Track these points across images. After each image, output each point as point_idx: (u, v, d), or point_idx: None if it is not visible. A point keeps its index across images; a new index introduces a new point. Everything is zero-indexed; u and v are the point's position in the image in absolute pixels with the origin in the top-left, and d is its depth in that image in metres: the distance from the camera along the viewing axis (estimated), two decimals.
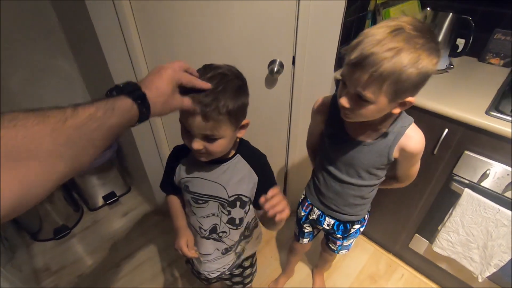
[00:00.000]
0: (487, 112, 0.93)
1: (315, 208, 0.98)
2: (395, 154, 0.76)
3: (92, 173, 1.70)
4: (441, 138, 1.02)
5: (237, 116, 0.63)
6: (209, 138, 0.62)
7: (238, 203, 0.75)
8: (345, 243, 1.04)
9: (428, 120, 1.04)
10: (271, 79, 1.13)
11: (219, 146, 0.64)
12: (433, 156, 1.08)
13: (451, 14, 1.10)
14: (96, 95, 1.61)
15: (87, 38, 1.16)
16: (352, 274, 1.47)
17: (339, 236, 1.00)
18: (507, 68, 1.23)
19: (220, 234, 0.79)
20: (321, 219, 0.98)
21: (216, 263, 0.85)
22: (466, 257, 1.12)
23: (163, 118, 1.37)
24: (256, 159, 0.75)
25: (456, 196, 1.06)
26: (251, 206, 0.80)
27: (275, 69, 1.07)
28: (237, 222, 0.78)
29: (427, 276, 1.43)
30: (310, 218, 1.01)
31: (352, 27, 1.22)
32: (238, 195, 0.74)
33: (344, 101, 0.63)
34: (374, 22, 1.23)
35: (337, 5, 0.99)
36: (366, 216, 1.00)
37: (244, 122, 0.67)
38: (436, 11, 1.14)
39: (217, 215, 0.77)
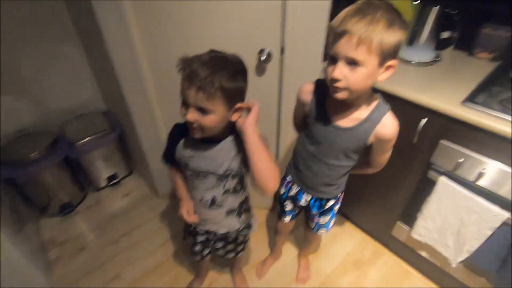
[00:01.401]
0: (462, 103, 0.97)
1: (295, 185, 1.05)
2: (371, 139, 0.82)
3: (97, 155, 1.81)
4: (419, 128, 1.06)
5: (231, 96, 0.69)
6: (203, 111, 0.69)
7: (231, 176, 0.83)
8: (322, 221, 1.10)
9: (409, 110, 1.08)
10: (260, 67, 1.19)
11: (210, 121, 0.71)
12: (412, 145, 1.13)
13: (437, 7, 1.12)
14: (102, 80, 1.71)
15: (91, 26, 1.25)
16: (337, 259, 1.53)
17: (315, 212, 1.07)
18: (495, 63, 1.25)
19: (219, 204, 0.89)
20: (299, 196, 1.05)
21: (221, 222, 0.95)
22: (442, 243, 1.16)
23: (162, 107, 1.45)
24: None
25: (433, 184, 1.10)
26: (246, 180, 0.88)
27: (263, 57, 1.13)
28: (231, 191, 0.87)
29: (409, 263, 1.48)
30: (290, 195, 1.08)
31: None
32: (232, 169, 0.82)
33: (337, 73, 0.68)
34: None
35: None
36: (340, 194, 1.06)
37: (238, 105, 0.73)
38: (424, 4, 1.17)
39: (216, 188, 0.85)
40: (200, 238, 1.06)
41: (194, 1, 1.07)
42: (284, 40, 1.12)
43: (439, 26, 1.17)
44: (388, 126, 0.80)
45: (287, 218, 1.17)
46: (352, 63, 0.66)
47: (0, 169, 1.46)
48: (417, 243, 1.29)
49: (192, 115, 0.69)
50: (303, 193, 1.04)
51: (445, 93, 1.03)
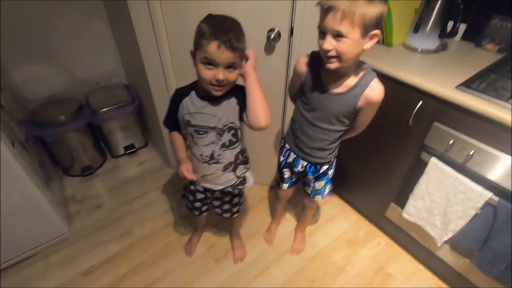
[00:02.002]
0: (456, 87, 1.02)
1: (292, 153, 1.15)
2: (360, 103, 0.91)
3: (117, 125, 1.96)
4: (414, 110, 1.12)
5: (244, 46, 0.81)
6: (230, 67, 0.81)
7: (227, 130, 0.94)
8: (317, 185, 1.19)
9: (406, 93, 1.14)
10: (269, 46, 1.27)
11: (235, 75, 0.83)
12: (408, 127, 1.18)
13: None
14: (125, 54, 1.84)
15: (119, 3, 1.36)
16: (332, 236, 1.62)
17: (310, 177, 1.16)
18: (501, 54, 1.27)
19: (217, 158, 0.99)
20: (296, 162, 1.15)
21: (218, 179, 1.06)
22: (430, 223, 1.22)
23: (178, 83, 1.56)
24: (241, 91, 0.90)
25: (426, 166, 1.16)
26: (243, 133, 0.98)
27: (272, 36, 1.21)
28: (227, 144, 0.97)
29: (400, 244, 1.54)
30: (287, 162, 1.18)
31: None
32: (229, 123, 0.92)
33: (327, 44, 0.77)
34: None
35: None
36: (333, 159, 1.15)
37: (246, 53, 0.85)
38: None
39: (215, 143, 0.96)
40: (200, 196, 1.17)
41: None
42: (293, 20, 1.19)
43: (445, 15, 1.20)
44: (375, 89, 0.89)
45: (286, 185, 1.27)
46: (338, 35, 0.75)
47: (31, 128, 1.63)
48: (408, 224, 1.36)
49: (223, 74, 0.80)
50: (300, 160, 1.13)
51: (443, 78, 1.08)
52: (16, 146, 1.26)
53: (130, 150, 2.09)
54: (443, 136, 1.08)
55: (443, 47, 1.29)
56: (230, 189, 1.11)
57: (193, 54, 0.84)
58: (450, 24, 1.23)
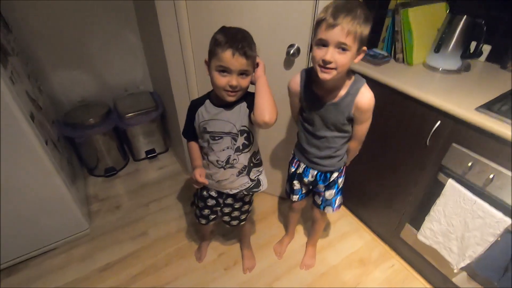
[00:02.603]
0: (476, 109, 1.00)
1: (301, 163, 1.17)
2: (353, 110, 0.96)
3: (140, 130, 2.06)
4: (432, 130, 1.11)
5: (255, 58, 0.88)
6: (243, 74, 0.86)
7: (240, 133, 0.98)
8: (328, 195, 1.19)
9: (423, 112, 1.13)
10: (288, 60, 1.31)
11: (247, 81, 0.89)
12: (425, 147, 1.17)
13: (465, 16, 1.15)
14: (152, 63, 1.95)
15: (149, 15, 1.47)
16: (343, 254, 1.59)
17: (321, 186, 1.17)
18: None
19: (232, 162, 1.03)
20: (306, 172, 1.17)
21: (235, 183, 1.10)
22: (446, 247, 1.18)
23: (200, 93, 1.63)
24: (251, 96, 0.94)
25: (443, 187, 1.13)
26: (255, 137, 1.02)
27: (292, 52, 1.25)
28: (241, 148, 1.01)
29: (415, 268, 1.48)
30: (298, 172, 1.20)
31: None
32: (242, 127, 0.97)
33: (329, 56, 0.81)
34: (393, 21, 1.32)
35: None
36: (343, 167, 1.17)
37: (257, 60, 0.92)
38: (454, 14, 1.20)
39: (230, 148, 1.00)
40: (211, 202, 1.20)
41: (235, 1, 1.23)
42: (313, 37, 1.23)
43: (468, 35, 1.19)
44: (364, 95, 0.93)
45: (296, 197, 1.28)
46: (342, 48, 0.81)
47: (63, 128, 1.75)
48: (423, 247, 1.31)
49: (236, 80, 0.86)
50: (310, 169, 1.16)
51: (463, 99, 1.06)
52: (49, 144, 1.37)
53: (151, 154, 2.18)
54: (461, 158, 1.06)
55: (465, 68, 1.27)
56: (245, 192, 1.14)
57: (208, 63, 0.91)
58: (473, 45, 1.21)
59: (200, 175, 1.03)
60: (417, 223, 1.31)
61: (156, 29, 1.43)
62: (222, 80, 0.87)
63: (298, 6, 1.17)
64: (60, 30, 1.73)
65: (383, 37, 1.41)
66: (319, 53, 0.84)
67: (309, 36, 1.23)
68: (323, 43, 0.83)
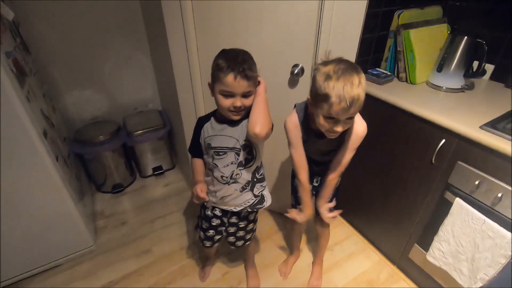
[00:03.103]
0: (481, 127, 1.00)
1: None
2: (346, 137, 0.99)
3: (148, 147, 2.10)
4: (437, 148, 1.10)
5: (256, 78, 0.90)
6: (246, 95, 0.89)
7: (243, 148, 0.99)
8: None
9: (428, 130, 1.13)
10: (293, 80, 1.35)
11: (250, 100, 0.91)
12: (431, 165, 1.16)
13: (465, 37, 1.18)
14: (161, 83, 2.02)
15: (160, 37, 1.54)
16: (351, 275, 1.54)
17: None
18: None
19: (235, 177, 1.04)
20: (310, 179, 1.16)
21: (237, 200, 1.10)
22: (456, 268, 1.14)
23: (207, 110, 1.67)
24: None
25: (450, 206, 1.11)
26: (258, 152, 1.03)
27: (296, 71, 1.29)
28: (244, 162, 1.02)
29: None
30: None
31: (373, 44, 1.37)
32: (245, 141, 0.98)
33: (340, 129, 0.86)
34: (395, 42, 1.36)
35: (357, 20, 1.17)
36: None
37: (258, 78, 0.93)
38: (455, 35, 1.23)
39: (234, 163, 1.02)
40: (215, 221, 1.19)
41: (241, 23, 1.28)
42: (317, 57, 1.27)
43: (469, 55, 1.21)
44: (358, 126, 0.95)
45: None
46: (349, 118, 0.85)
47: (73, 145, 1.80)
48: (433, 268, 1.27)
49: (240, 102, 0.89)
50: (314, 177, 1.18)
51: (466, 117, 1.07)
52: (60, 160, 1.40)
53: (158, 171, 2.21)
54: (468, 176, 1.04)
55: (469, 87, 1.28)
56: (249, 209, 1.13)
57: (211, 86, 0.94)
58: (476, 64, 1.23)
59: (201, 190, 1.04)
60: (426, 244, 1.28)
61: (166, 51, 1.50)
62: (227, 102, 0.90)
63: (302, 28, 1.22)
64: (75, 53, 1.82)
65: (386, 57, 1.44)
66: (326, 124, 0.87)
67: (312, 57, 1.27)
68: (336, 120, 0.85)
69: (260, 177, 1.09)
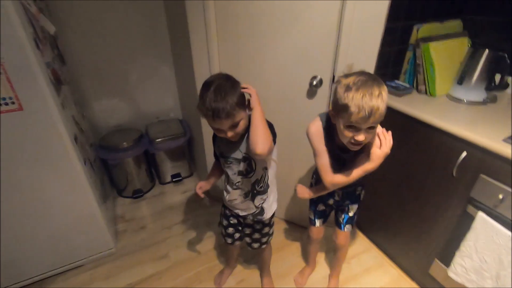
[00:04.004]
0: (504, 140, 0.99)
1: None
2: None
3: (168, 155, 2.17)
4: (458, 161, 1.09)
5: (241, 102, 0.92)
6: (234, 125, 0.93)
7: (243, 159, 1.04)
8: (351, 212, 1.21)
9: (449, 142, 1.12)
10: (311, 91, 1.38)
11: (241, 126, 0.95)
12: (452, 178, 1.14)
13: (487, 50, 1.18)
14: (183, 93, 2.10)
15: (184, 51, 1.62)
16: None
17: (347, 202, 1.19)
18: None
19: (237, 184, 1.10)
20: (332, 193, 1.19)
21: (242, 205, 1.16)
22: (479, 286, 1.10)
23: None
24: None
25: (473, 220, 1.09)
26: (257, 165, 1.05)
27: (315, 83, 1.32)
28: (244, 172, 1.06)
29: None
30: (322, 196, 1.20)
31: (391, 57, 1.39)
32: (244, 154, 1.03)
33: (362, 137, 0.86)
34: (414, 55, 1.37)
35: (376, 33, 1.20)
36: (362, 180, 1.12)
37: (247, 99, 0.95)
38: (475, 48, 1.23)
39: (236, 172, 1.08)
40: (233, 220, 1.26)
41: (262, 37, 1.34)
42: (335, 70, 1.30)
43: (491, 68, 1.20)
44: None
45: (319, 221, 1.30)
46: (371, 128, 0.86)
47: (99, 151, 1.89)
48: (454, 285, 1.23)
49: (230, 133, 0.93)
50: (335, 192, 1.18)
51: (488, 130, 1.05)
52: (87, 164, 1.48)
53: (177, 178, 2.27)
54: (491, 190, 1.02)
55: (491, 100, 1.27)
56: (251, 217, 1.19)
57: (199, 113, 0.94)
58: (498, 77, 1.22)
59: (200, 187, 1.19)
60: (447, 259, 1.24)
61: (189, 63, 1.58)
62: (220, 134, 0.96)
63: (321, 40, 1.26)
64: (104, 65, 1.95)
65: (405, 70, 1.45)
66: (348, 133, 0.88)
67: (331, 69, 1.30)
68: (358, 128, 0.86)
69: (260, 189, 1.12)
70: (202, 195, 1.20)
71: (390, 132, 0.94)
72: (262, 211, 1.17)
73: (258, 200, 1.14)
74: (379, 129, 0.94)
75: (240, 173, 1.07)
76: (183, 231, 1.85)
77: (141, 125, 2.20)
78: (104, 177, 2.01)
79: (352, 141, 0.89)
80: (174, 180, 2.27)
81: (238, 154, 1.04)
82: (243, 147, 1.02)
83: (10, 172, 1.21)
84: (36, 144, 1.21)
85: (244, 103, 0.94)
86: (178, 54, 1.96)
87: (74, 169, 1.34)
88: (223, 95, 0.87)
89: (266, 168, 1.08)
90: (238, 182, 1.09)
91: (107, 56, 1.93)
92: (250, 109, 0.95)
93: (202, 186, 1.20)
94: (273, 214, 1.23)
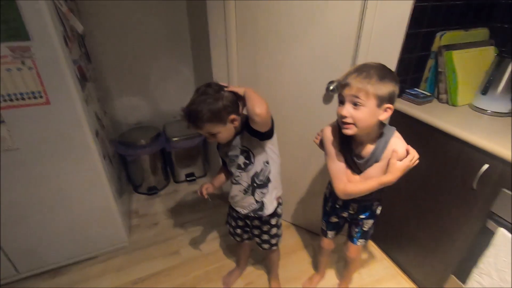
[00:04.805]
0: None
1: (339, 199, 1.15)
2: (383, 157, 0.95)
3: (183, 154, 2.21)
4: (479, 173, 1.05)
5: (219, 118, 0.95)
6: (213, 135, 0.99)
7: (241, 152, 1.07)
8: (366, 226, 1.18)
9: (469, 154, 1.09)
10: (328, 96, 1.37)
11: (220, 138, 1.01)
12: (472, 191, 1.10)
13: None
14: None
15: (204, 52, 1.66)
16: None
17: (362, 216, 1.16)
18: None
19: (237, 179, 1.12)
20: (346, 205, 1.16)
21: (243, 202, 1.17)
22: None
23: None
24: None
25: (492, 235, 1.04)
26: (256, 157, 1.07)
27: (332, 88, 1.31)
28: (242, 166, 1.09)
29: None
30: (336, 207, 1.19)
31: (412, 64, 1.36)
32: (242, 146, 1.06)
33: (344, 111, 0.87)
34: (436, 63, 1.33)
35: (396, 39, 1.18)
36: (380, 194, 1.12)
37: (231, 117, 0.97)
38: (502, 57, 1.18)
39: (235, 166, 1.10)
40: (240, 223, 1.28)
41: (280, 42, 1.35)
42: None
43: None
44: (397, 146, 0.92)
45: (332, 233, 1.28)
46: (356, 103, 0.85)
47: (118, 146, 1.96)
48: None
49: (210, 139, 1.01)
50: (350, 202, 1.14)
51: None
52: (106, 159, 1.54)
53: (190, 177, 2.30)
54: None
55: None
56: (252, 214, 1.18)
57: None
58: None
59: (206, 188, 1.25)
60: (464, 275, 1.19)
61: (208, 65, 1.61)
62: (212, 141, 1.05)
63: (340, 46, 1.25)
64: (128, 64, 2.02)
65: (426, 78, 1.42)
66: (339, 110, 0.89)
67: None
68: (341, 101, 0.89)
69: (260, 183, 1.12)
70: (206, 196, 1.23)
71: (415, 155, 0.92)
72: (262, 206, 1.16)
73: (258, 194, 1.14)
74: (407, 146, 0.92)
75: (238, 166, 1.09)
76: (194, 229, 1.87)
77: (159, 124, 2.26)
78: (122, 173, 2.07)
79: (340, 119, 0.89)
80: (188, 179, 2.30)
81: (237, 150, 1.07)
82: (237, 141, 1.06)
83: (34, 163, 1.27)
84: (60, 137, 1.27)
85: (222, 117, 0.96)
86: (197, 56, 2.01)
87: (94, 163, 1.39)
88: (199, 109, 0.93)
89: (267, 163, 1.09)
90: (237, 176, 1.11)
91: (131, 56, 2.00)
92: (239, 115, 1.00)
93: (208, 188, 1.25)
94: (279, 215, 1.24)
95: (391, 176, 0.91)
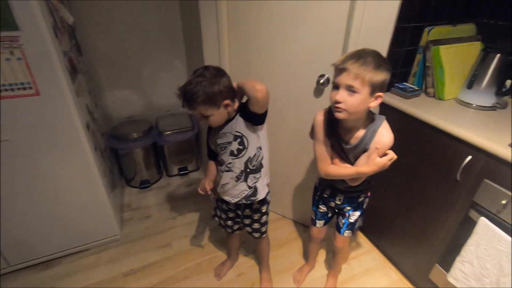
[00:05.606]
0: (510, 145, 0.97)
1: (327, 188, 1.20)
2: (371, 145, 0.97)
3: (176, 148, 2.22)
4: (462, 164, 1.08)
5: (213, 101, 0.96)
6: (205, 116, 1.00)
7: (234, 138, 1.07)
8: (352, 218, 1.20)
9: (453, 146, 1.12)
10: (318, 89, 1.39)
11: (211, 121, 1.02)
12: (456, 182, 1.13)
13: (498, 55, 1.16)
14: None
15: (196, 47, 1.66)
16: None
17: (348, 208, 1.19)
18: None
19: (229, 166, 1.12)
20: (334, 196, 1.19)
21: (234, 190, 1.17)
22: None
23: None
24: (243, 107, 1.05)
25: (474, 225, 1.07)
26: (250, 143, 1.08)
27: (322, 81, 1.33)
28: (235, 152, 1.09)
29: None
30: (324, 196, 1.23)
31: (400, 58, 1.39)
32: (236, 132, 1.06)
33: (339, 97, 0.88)
34: (424, 57, 1.36)
35: (385, 34, 1.20)
36: (368, 187, 1.17)
37: (225, 102, 0.99)
38: (487, 52, 1.21)
39: (228, 154, 1.11)
40: (231, 214, 1.29)
41: (271, 38, 1.36)
42: None
43: (502, 73, 1.19)
44: (383, 136, 0.96)
45: (321, 222, 1.31)
46: (351, 90, 0.86)
47: (110, 140, 1.95)
48: None
49: (202, 121, 1.03)
50: (337, 193, 1.18)
51: (496, 135, 1.04)
52: (97, 152, 1.53)
53: (183, 172, 2.31)
54: (494, 195, 1.01)
55: (502, 105, 1.25)
56: (244, 201, 1.19)
57: None
58: (508, 83, 1.20)
59: (208, 184, 1.21)
60: (448, 264, 1.23)
61: (200, 60, 1.61)
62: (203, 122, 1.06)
63: (330, 40, 1.27)
64: (120, 57, 2.01)
65: (414, 72, 1.44)
66: (332, 94, 0.91)
67: None
68: (336, 86, 0.90)
69: (253, 168, 1.14)
70: (209, 192, 1.21)
71: (393, 156, 0.95)
72: (255, 191, 1.18)
73: (251, 180, 1.15)
74: (392, 154, 0.95)
75: (231, 153, 1.10)
76: (186, 222, 1.88)
77: (152, 117, 2.25)
78: (114, 166, 2.07)
79: (333, 103, 0.90)
80: (180, 173, 2.31)
81: (229, 137, 1.08)
82: (229, 128, 1.06)
83: (24, 154, 1.27)
84: (49, 129, 1.26)
85: (217, 101, 0.98)
86: (190, 50, 2.00)
87: (84, 156, 1.39)
88: (195, 90, 0.94)
89: (260, 148, 1.11)
90: (230, 163, 1.11)
91: (123, 49, 1.99)
92: (233, 101, 1.02)
93: (210, 183, 1.22)
94: (268, 202, 1.27)
95: (368, 168, 0.96)
